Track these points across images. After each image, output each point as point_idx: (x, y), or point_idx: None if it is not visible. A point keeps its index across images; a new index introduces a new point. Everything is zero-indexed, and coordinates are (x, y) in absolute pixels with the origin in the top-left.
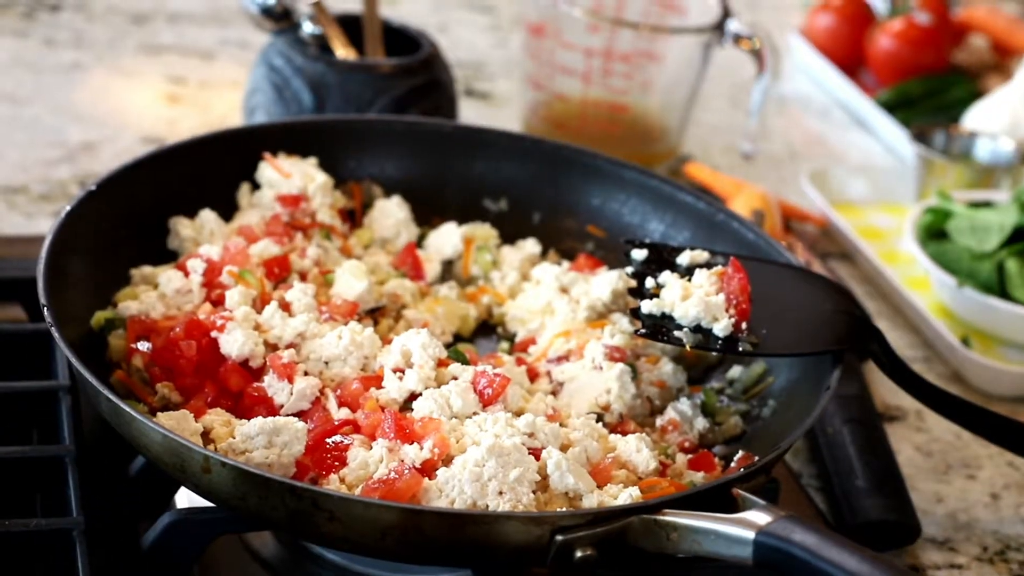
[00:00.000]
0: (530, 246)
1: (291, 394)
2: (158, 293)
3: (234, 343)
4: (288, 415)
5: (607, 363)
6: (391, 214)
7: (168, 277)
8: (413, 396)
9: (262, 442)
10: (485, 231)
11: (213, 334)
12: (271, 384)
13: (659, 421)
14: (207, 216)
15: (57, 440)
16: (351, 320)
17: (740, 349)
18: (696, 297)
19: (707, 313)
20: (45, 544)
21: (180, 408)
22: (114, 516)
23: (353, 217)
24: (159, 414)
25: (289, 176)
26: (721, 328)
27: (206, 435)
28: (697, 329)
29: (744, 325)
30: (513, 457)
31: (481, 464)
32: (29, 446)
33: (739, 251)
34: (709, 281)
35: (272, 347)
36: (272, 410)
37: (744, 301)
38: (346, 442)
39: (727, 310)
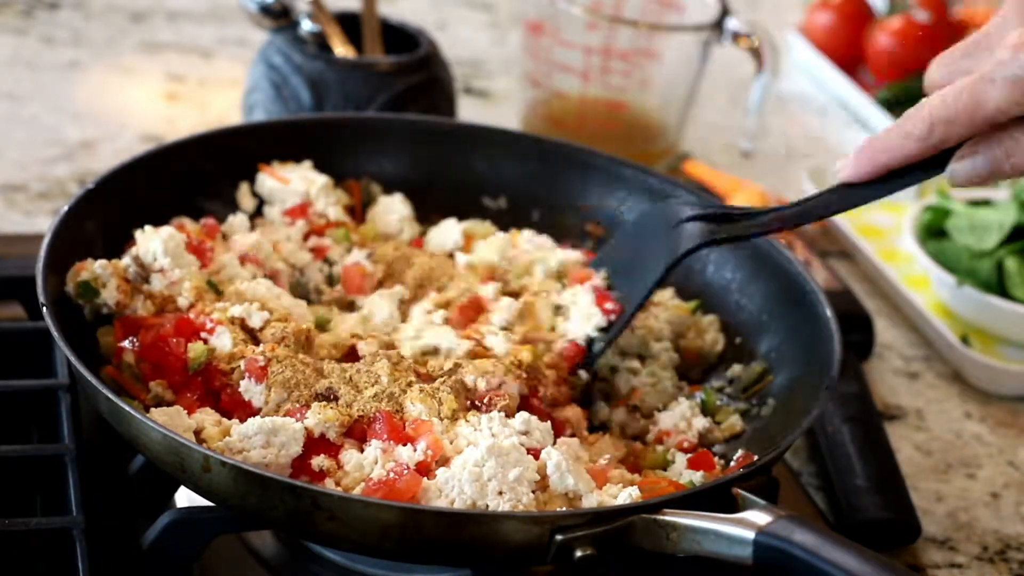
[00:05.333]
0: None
1: (267, 400)
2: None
3: (223, 346)
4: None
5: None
6: (394, 211)
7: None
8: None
9: (260, 441)
10: (485, 227)
11: (203, 335)
12: (248, 388)
13: (653, 429)
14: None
15: (57, 439)
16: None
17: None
18: (574, 313)
19: (585, 320)
20: (45, 543)
21: (172, 405)
22: (114, 515)
23: (353, 214)
24: (152, 410)
25: (287, 182)
26: (595, 325)
27: (197, 434)
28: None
29: (610, 306)
30: (512, 457)
31: (480, 464)
32: (29, 445)
33: (738, 249)
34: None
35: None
36: (250, 413)
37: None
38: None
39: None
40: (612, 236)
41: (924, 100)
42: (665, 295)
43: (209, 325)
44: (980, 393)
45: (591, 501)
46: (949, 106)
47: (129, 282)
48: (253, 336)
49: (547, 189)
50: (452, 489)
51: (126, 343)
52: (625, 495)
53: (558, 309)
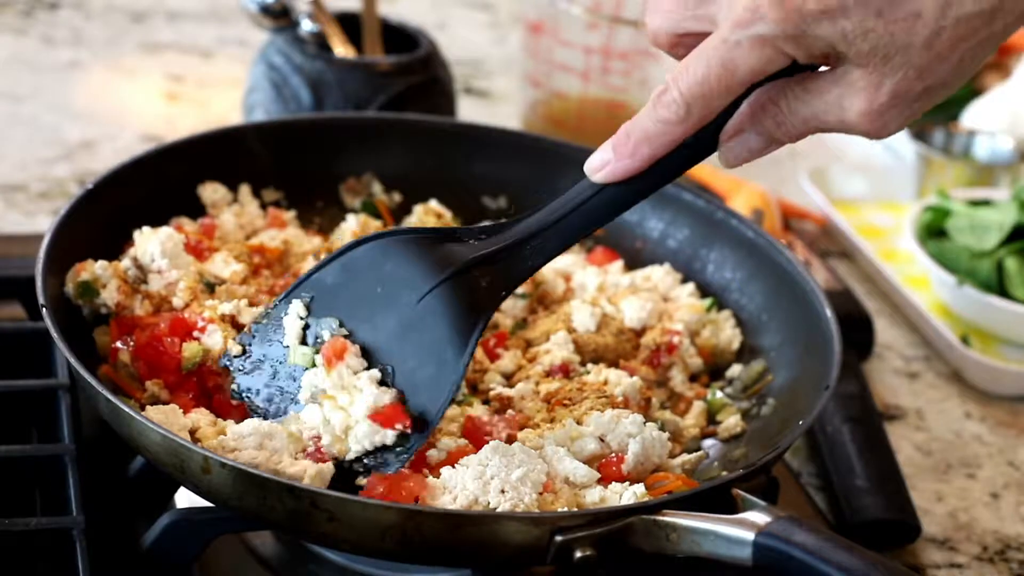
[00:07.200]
0: None
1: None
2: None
3: (215, 345)
4: None
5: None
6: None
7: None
8: None
9: (253, 442)
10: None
11: (195, 334)
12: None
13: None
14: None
15: (57, 439)
16: None
17: None
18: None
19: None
20: (45, 543)
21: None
22: (114, 516)
23: (374, 210)
24: (148, 408)
25: (214, 215)
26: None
27: (192, 433)
28: None
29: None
30: (518, 457)
31: (485, 463)
32: (29, 445)
33: (738, 250)
34: None
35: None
36: (242, 415)
37: None
38: None
39: None
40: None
41: (668, 78)
42: (683, 291)
43: (201, 324)
44: (980, 393)
45: (594, 496)
46: (700, 82)
47: (128, 283)
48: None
49: (547, 189)
50: (456, 486)
51: (119, 343)
52: (629, 494)
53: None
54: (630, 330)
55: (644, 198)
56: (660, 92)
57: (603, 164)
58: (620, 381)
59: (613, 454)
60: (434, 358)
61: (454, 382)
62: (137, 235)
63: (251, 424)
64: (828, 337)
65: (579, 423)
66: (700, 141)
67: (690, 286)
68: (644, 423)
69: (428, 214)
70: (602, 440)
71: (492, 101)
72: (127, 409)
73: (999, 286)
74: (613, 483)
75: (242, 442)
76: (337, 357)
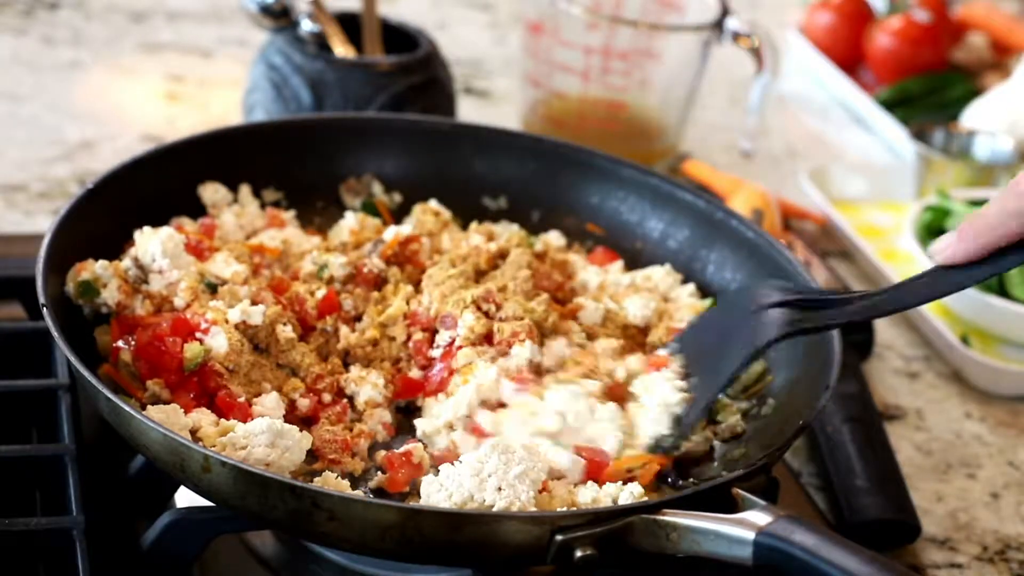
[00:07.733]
0: (555, 238)
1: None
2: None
3: (219, 347)
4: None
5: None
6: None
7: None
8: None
9: (265, 440)
10: (518, 233)
11: (198, 335)
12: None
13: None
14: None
15: (57, 439)
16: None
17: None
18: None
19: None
20: (45, 543)
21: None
22: (114, 515)
23: (374, 210)
24: (148, 407)
25: (214, 215)
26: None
27: (193, 433)
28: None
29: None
30: (517, 455)
31: (483, 460)
32: (29, 445)
33: (738, 250)
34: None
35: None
36: (245, 415)
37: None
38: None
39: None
40: (694, 321)
41: (1021, 172)
42: (684, 292)
43: (204, 325)
44: (980, 393)
45: (586, 496)
46: None
47: (129, 283)
48: (251, 338)
49: (547, 189)
50: (451, 483)
51: (120, 343)
52: (627, 494)
53: (628, 394)
54: (634, 327)
55: (969, 285)
56: (1014, 183)
57: (944, 248)
58: (628, 366)
59: (608, 458)
60: (727, 352)
61: (731, 369)
62: (138, 235)
63: (263, 422)
64: (828, 337)
65: (540, 398)
66: None
67: (690, 287)
68: (598, 403)
69: (427, 213)
70: (563, 417)
71: (492, 101)
72: (127, 408)
73: (999, 286)
74: (607, 483)
75: (253, 440)
76: (656, 367)
